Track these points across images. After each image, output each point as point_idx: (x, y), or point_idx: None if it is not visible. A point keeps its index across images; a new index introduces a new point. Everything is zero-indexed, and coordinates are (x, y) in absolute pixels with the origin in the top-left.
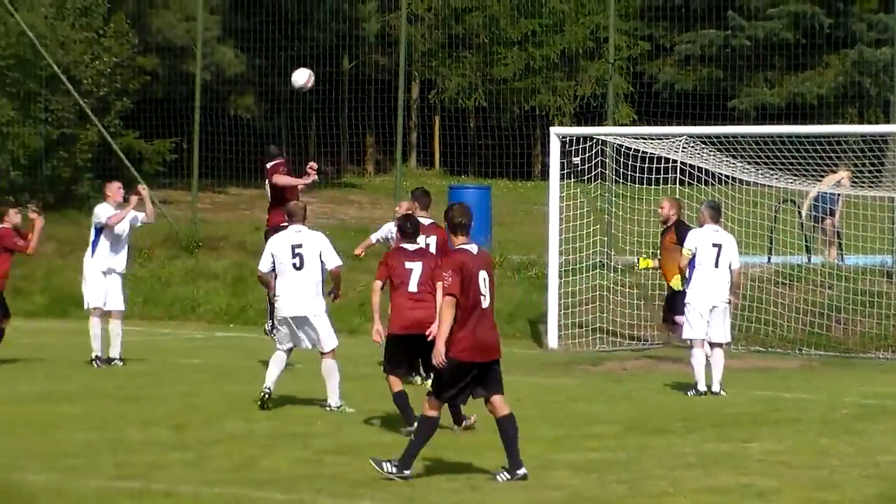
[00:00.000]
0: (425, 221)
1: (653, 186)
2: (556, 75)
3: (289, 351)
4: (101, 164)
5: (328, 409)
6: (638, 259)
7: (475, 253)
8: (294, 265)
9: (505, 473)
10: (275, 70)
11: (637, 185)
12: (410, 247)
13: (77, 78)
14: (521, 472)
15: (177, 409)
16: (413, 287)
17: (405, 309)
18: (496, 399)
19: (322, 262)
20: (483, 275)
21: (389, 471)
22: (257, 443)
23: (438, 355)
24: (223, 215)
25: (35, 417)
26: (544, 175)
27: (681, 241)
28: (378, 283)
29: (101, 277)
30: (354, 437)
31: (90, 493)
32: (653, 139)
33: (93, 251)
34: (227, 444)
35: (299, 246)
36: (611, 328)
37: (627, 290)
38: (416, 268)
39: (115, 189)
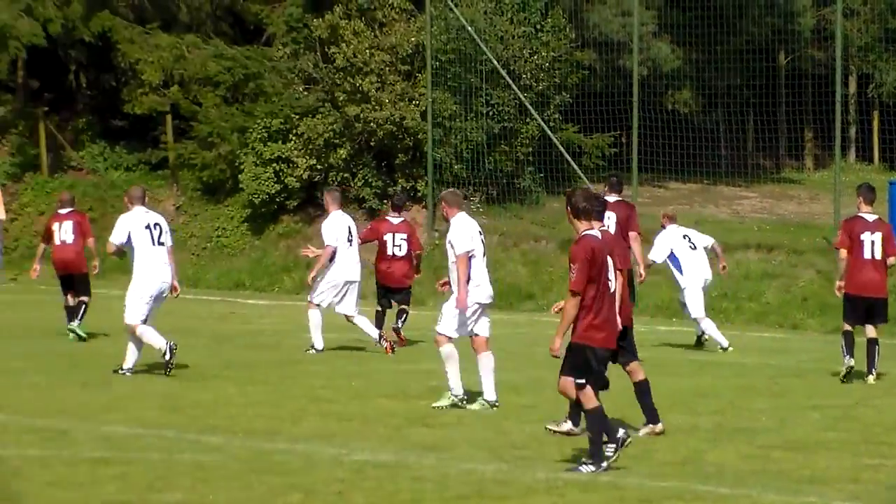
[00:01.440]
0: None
1: None
2: None
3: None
4: (541, 158)
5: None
6: None
7: (601, 238)
8: (153, 240)
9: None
10: (711, 65)
11: None
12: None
13: (516, 72)
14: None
15: (622, 403)
16: None
17: None
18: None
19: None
20: (610, 260)
21: (589, 470)
22: (702, 437)
23: (554, 351)
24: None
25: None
26: None
27: None
28: None
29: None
30: (800, 433)
31: (539, 484)
32: None
33: None
34: (671, 437)
35: (156, 225)
36: None
37: None
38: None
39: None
